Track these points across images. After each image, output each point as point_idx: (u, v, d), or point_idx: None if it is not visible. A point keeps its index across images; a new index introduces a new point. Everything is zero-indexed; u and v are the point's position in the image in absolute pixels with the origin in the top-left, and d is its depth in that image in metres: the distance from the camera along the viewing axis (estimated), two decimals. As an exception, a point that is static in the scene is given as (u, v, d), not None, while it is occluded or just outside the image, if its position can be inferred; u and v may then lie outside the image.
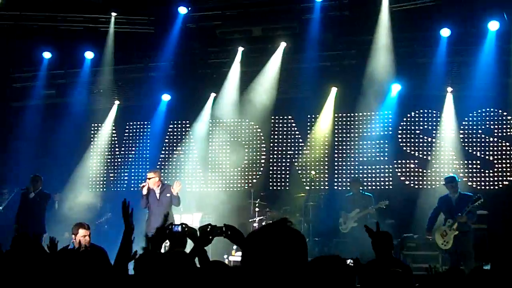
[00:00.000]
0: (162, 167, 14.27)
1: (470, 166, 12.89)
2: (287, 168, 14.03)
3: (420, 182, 13.13)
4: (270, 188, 13.94)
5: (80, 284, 4.05)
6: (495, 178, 12.78)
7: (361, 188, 11.90)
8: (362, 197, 11.63)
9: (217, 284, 3.42)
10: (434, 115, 13.30)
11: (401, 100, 13.19)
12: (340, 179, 13.66)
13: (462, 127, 13.06)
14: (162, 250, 5.63)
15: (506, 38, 12.03)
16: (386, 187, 13.28)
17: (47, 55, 14.05)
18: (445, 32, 12.27)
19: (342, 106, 13.70)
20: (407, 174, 13.28)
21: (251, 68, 13.71)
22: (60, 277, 4.21)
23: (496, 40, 12.04)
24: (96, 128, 15.04)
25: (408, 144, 13.41)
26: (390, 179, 13.37)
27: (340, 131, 13.87)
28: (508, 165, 12.77)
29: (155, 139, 14.62)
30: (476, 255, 9.95)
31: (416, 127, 13.42)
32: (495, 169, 12.82)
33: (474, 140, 13.02)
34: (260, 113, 13.68)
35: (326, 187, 13.56)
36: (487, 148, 12.93)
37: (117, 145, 14.98)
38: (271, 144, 14.20)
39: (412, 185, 13.19)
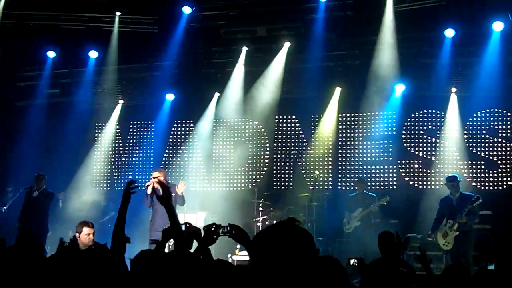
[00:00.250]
0: (166, 166, 14.29)
1: (474, 166, 12.88)
2: (291, 168, 14.03)
3: (424, 182, 13.12)
4: (274, 187, 13.95)
5: (84, 282, 4.06)
6: (499, 179, 12.76)
7: (365, 188, 11.90)
8: (365, 197, 11.63)
9: (222, 283, 3.42)
10: (438, 115, 13.28)
11: (405, 100, 13.18)
12: (344, 179, 13.66)
13: (466, 127, 13.04)
14: (166, 250, 5.65)
15: (511, 38, 12.00)
16: (390, 187, 13.27)
17: (51, 54, 14.06)
18: (449, 33, 12.23)
19: (346, 106, 13.70)
20: (411, 174, 13.27)
21: (255, 68, 13.71)
22: (63, 275, 4.22)
23: (501, 40, 12.00)
24: (100, 127, 15.07)
25: (412, 144, 13.40)
26: (394, 179, 13.36)
27: (344, 131, 13.86)
28: (512, 165, 12.76)
29: (159, 138, 14.65)
30: (480, 255, 9.94)
31: (420, 127, 13.41)
32: (499, 170, 12.80)
33: (478, 140, 13.00)
34: (264, 113, 13.68)
35: (330, 187, 13.55)
36: (491, 149, 12.91)
37: (121, 144, 15.02)
38: (275, 144, 14.21)
39: (416, 185, 13.18)
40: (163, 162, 14.52)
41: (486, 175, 12.82)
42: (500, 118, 12.98)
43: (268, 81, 13.44)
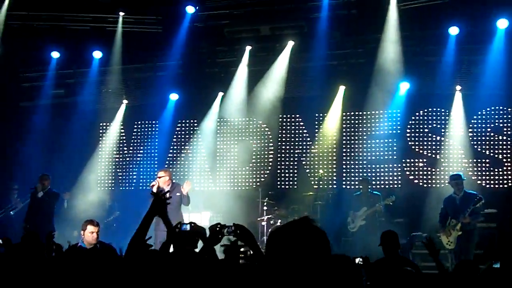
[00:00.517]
0: (171, 166, 14.30)
1: (479, 164, 12.83)
2: (295, 167, 14.02)
3: (429, 181, 13.08)
4: (278, 187, 13.94)
5: (87, 281, 4.07)
6: (505, 177, 12.71)
7: (369, 187, 11.89)
8: (370, 196, 11.62)
9: (226, 282, 3.43)
10: (443, 113, 13.24)
11: (410, 99, 13.14)
12: (348, 178, 13.64)
13: (471, 125, 12.99)
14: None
15: (515, 36, 11.97)
16: (395, 185, 13.24)
17: (55, 54, 14.11)
18: (453, 31, 12.21)
19: (350, 104, 13.67)
20: (416, 172, 13.24)
21: (258, 67, 13.70)
22: (66, 274, 4.23)
23: (505, 38, 11.96)
24: (104, 128, 15.10)
25: (417, 143, 13.36)
26: (399, 177, 13.32)
27: (348, 129, 13.84)
28: (517, 163, 12.71)
29: (163, 138, 14.65)
30: (485, 253, 9.90)
31: (425, 126, 13.37)
32: (505, 168, 12.75)
33: (483, 138, 12.95)
34: (268, 112, 13.67)
35: (334, 186, 13.52)
36: (496, 147, 12.86)
37: (125, 144, 15.04)
38: (279, 143, 14.20)
39: (420, 183, 13.15)
40: (167, 162, 14.54)
41: (491, 173, 12.77)
42: (505, 116, 12.92)
43: (272, 80, 13.44)
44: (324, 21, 12.50)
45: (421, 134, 13.37)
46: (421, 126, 13.41)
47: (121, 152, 15.03)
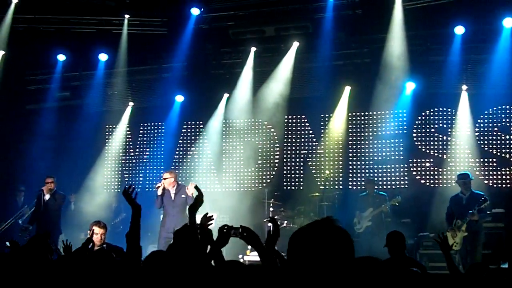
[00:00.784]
0: (177, 167, 14.33)
1: (486, 164, 12.77)
2: (301, 168, 14.00)
3: (436, 181, 13.03)
4: (284, 188, 13.92)
5: (92, 283, 4.08)
6: (512, 176, 12.65)
7: (376, 188, 11.86)
8: (376, 197, 11.58)
9: (234, 284, 3.42)
10: (449, 113, 13.19)
11: (416, 99, 13.09)
12: (354, 179, 13.61)
13: (477, 125, 12.93)
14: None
15: (522, 35, 11.91)
16: (401, 186, 13.20)
17: (61, 57, 14.17)
18: (459, 30, 12.16)
19: (355, 105, 13.63)
20: (423, 173, 13.19)
21: (264, 68, 13.70)
22: (70, 276, 4.24)
23: (511, 37, 11.90)
24: (110, 130, 15.14)
25: (423, 143, 13.32)
26: (405, 178, 13.28)
27: (354, 130, 13.81)
28: (525, 162, 12.64)
29: (169, 139, 14.67)
30: (493, 254, 9.85)
31: (431, 126, 13.32)
32: (512, 167, 12.69)
33: (490, 138, 12.89)
34: (274, 113, 13.66)
35: (341, 187, 13.49)
36: (503, 146, 12.79)
37: (131, 146, 15.07)
38: (285, 144, 14.18)
39: (427, 184, 13.10)
40: (173, 163, 14.56)
41: (499, 173, 12.70)
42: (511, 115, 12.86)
43: (277, 81, 13.43)
44: (329, 21, 12.48)
45: (427, 134, 13.32)
46: (427, 126, 13.36)
47: (127, 154, 15.06)
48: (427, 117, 13.39)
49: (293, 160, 14.11)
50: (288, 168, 14.10)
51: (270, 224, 11.66)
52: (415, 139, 13.37)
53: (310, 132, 14.08)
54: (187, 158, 14.55)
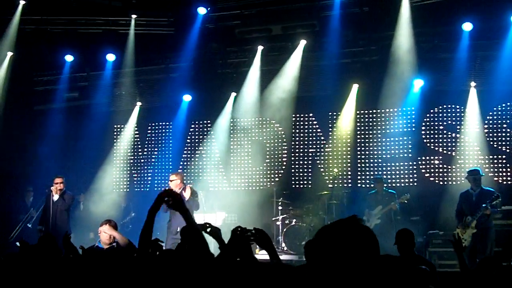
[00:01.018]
0: (185, 166, 14.36)
1: (495, 161, 12.70)
2: (309, 166, 13.98)
3: (445, 179, 12.98)
4: (293, 186, 13.91)
5: (100, 281, 4.09)
6: (522, 173, 12.57)
7: (385, 186, 11.82)
8: (385, 195, 11.55)
9: (246, 282, 3.41)
10: (458, 110, 13.13)
11: (424, 96, 13.04)
12: (363, 177, 13.57)
13: (486, 121, 12.87)
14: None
15: (530, 30, 11.82)
16: (410, 184, 13.15)
17: (69, 58, 14.21)
18: (467, 26, 12.09)
19: (363, 103, 13.59)
20: (431, 170, 13.14)
21: (271, 66, 13.68)
22: (80, 274, 4.26)
23: (520, 33, 11.84)
24: (118, 130, 15.19)
25: (432, 140, 13.26)
26: (414, 175, 13.23)
27: (362, 128, 13.77)
28: (534, 159, 12.56)
29: (177, 139, 14.70)
30: (504, 251, 9.77)
31: (440, 123, 13.27)
32: (522, 164, 12.61)
33: (499, 134, 12.82)
34: (281, 112, 13.65)
35: (349, 185, 13.46)
36: (512, 142, 12.73)
37: (139, 146, 15.11)
38: (293, 143, 14.17)
39: (436, 181, 13.04)
40: (181, 163, 14.59)
41: (508, 169, 12.63)
42: (521, 112, 12.79)
43: (285, 79, 13.41)
44: (336, 19, 12.44)
45: (436, 131, 13.26)
46: (436, 123, 13.30)
47: (135, 153, 15.11)
48: (436, 114, 13.33)
49: (301, 158, 14.09)
50: (296, 166, 14.09)
51: (278, 223, 11.63)
52: (423, 136, 13.32)
53: (318, 130, 14.05)
54: (195, 157, 14.57)
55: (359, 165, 13.67)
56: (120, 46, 13.72)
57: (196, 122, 14.85)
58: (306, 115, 14.16)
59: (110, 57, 14.13)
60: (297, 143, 14.17)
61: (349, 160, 13.70)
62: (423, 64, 12.46)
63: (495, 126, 12.86)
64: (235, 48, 13.99)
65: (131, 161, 15.07)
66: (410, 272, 3.98)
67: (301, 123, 14.20)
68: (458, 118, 13.10)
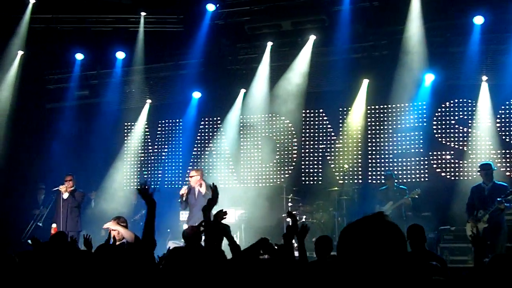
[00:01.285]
0: (194, 163, 14.39)
1: (507, 155, 12.58)
2: (320, 162, 13.94)
3: (457, 174, 12.87)
4: (303, 182, 13.88)
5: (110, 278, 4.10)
6: (535, 168, 12.44)
7: (396, 182, 11.77)
8: (396, 190, 11.50)
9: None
10: (470, 104, 13.01)
11: (435, 90, 12.93)
12: (373, 172, 13.51)
13: (498, 116, 12.74)
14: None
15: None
16: (421, 179, 13.06)
17: (79, 56, 14.28)
18: (478, 20, 11.96)
19: (374, 98, 13.51)
20: (443, 165, 13.04)
21: (280, 62, 13.65)
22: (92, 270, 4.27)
23: (532, 26, 11.71)
24: (129, 127, 15.25)
25: (444, 135, 13.16)
26: (426, 170, 13.14)
27: (373, 123, 13.70)
28: (547, 153, 12.42)
29: (187, 136, 14.74)
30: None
31: (451, 117, 13.16)
32: (534, 158, 12.48)
33: (511, 129, 12.69)
34: (291, 108, 13.60)
35: (360, 181, 13.41)
36: (525, 137, 12.60)
37: (150, 143, 15.17)
38: (303, 138, 14.13)
39: (448, 176, 12.95)
40: (191, 159, 14.62)
41: (521, 164, 12.52)
42: (533, 106, 12.66)
43: (294, 75, 13.36)
44: (346, 14, 12.36)
45: (447, 126, 13.16)
46: (447, 118, 13.19)
47: (146, 151, 15.17)
48: (447, 109, 13.22)
49: (311, 154, 14.05)
50: (307, 162, 14.05)
51: (288, 219, 11.66)
52: (435, 131, 13.22)
53: (328, 126, 14.00)
54: (205, 154, 14.59)
55: (369, 160, 13.61)
56: (130, 44, 13.76)
57: (206, 119, 14.87)
58: (316, 110, 14.11)
59: (120, 55, 14.18)
60: (307, 139, 14.13)
61: (359, 156, 13.64)
62: (434, 58, 12.35)
63: (507, 120, 12.73)
64: (245, 44, 13.97)
65: (142, 158, 15.13)
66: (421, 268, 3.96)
67: (311, 119, 14.15)
68: (469, 113, 12.98)
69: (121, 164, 14.85)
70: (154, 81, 14.87)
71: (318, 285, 3.23)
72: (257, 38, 13.37)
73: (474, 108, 12.89)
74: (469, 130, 12.90)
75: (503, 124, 12.72)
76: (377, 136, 13.61)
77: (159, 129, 15.22)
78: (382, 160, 13.46)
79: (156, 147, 15.16)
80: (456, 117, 13.12)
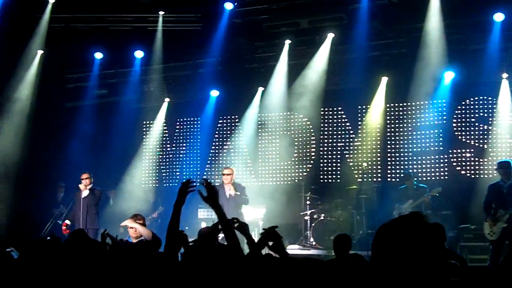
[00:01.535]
0: (213, 162, 14.42)
1: (529, 154, 12.41)
2: (338, 161, 13.89)
3: (477, 172, 12.74)
4: (321, 180, 13.85)
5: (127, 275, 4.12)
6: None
7: (415, 180, 11.68)
8: (416, 189, 11.43)
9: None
10: (490, 102, 12.86)
11: (455, 88, 12.80)
12: (393, 171, 13.42)
13: (519, 113, 12.57)
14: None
15: None
16: (441, 177, 12.94)
17: (98, 55, 14.38)
18: (498, 17, 11.82)
19: (393, 96, 13.42)
20: (463, 163, 12.91)
21: (299, 60, 13.61)
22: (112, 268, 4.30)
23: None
24: (147, 126, 15.33)
25: (464, 133, 13.03)
26: (446, 169, 13.02)
27: (392, 121, 13.60)
28: None
29: (205, 134, 14.78)
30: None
31: (472, 115, 13.02)
32: (556, 157, 12.28)
33: (533, 126, 12.52)
34: (309, 106, 13.56)
35: (379, 179, 13.34)
36: (546, 135, 12.41)
37: (168, 142, 15.24)
38: (321, 137, 14.09)
39: (468, 174, 12.81)
40: (209, 158, 14.66)
41: (542, 162, 12.32)
42: (555, 103, 12.46)
43: (312, 73, 13.32)
44: (364, 11, 12.28)
45: (467, 124, 13.02)
46: (467, 116, 13.06)
47: (164, 149, 15.24)
48: (467, 107, 13.09)
49: (329, 152, 14.01)
50: (325, 160, 14.01)
51: (307, 217, 11.59)
52: (455, 129, 13.09)
53: (347, 124, 13.94)
54: (223, 152, 14.61)
55: (388, 159, 13.52)
56: (148, 43, 13.83)
57: (224, 117, 14.89)
58: (335, 108, 14.06)
59: (139, 54, 14.26)
60: (325, 137, 14.08)
61: (378, 154, 13.57)
62: (453, 56, 12.23)
63: (528, 118, 12.56)
64: (263, 42, 13.97)
65: (160, 156, 15.20)
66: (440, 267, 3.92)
67: (330, 116, 14.10)
68: (490, 110, 12.83)
69: (139, 162, 14.93)
70: (172, 80, 14.92)
71: (338, 283, 3.21)
72: (275, 36, 13.35)
73: (494, 106, 12.75)
74: (490, 127, 12.76)
75: (524, 122, 12.55)
76: (396, 134, 13.52)
77: (177, 127, 15.28)
78: (401, 159, 13.37)
79: (174, 145, 15.22)
80: (476, 115, 12.98)
